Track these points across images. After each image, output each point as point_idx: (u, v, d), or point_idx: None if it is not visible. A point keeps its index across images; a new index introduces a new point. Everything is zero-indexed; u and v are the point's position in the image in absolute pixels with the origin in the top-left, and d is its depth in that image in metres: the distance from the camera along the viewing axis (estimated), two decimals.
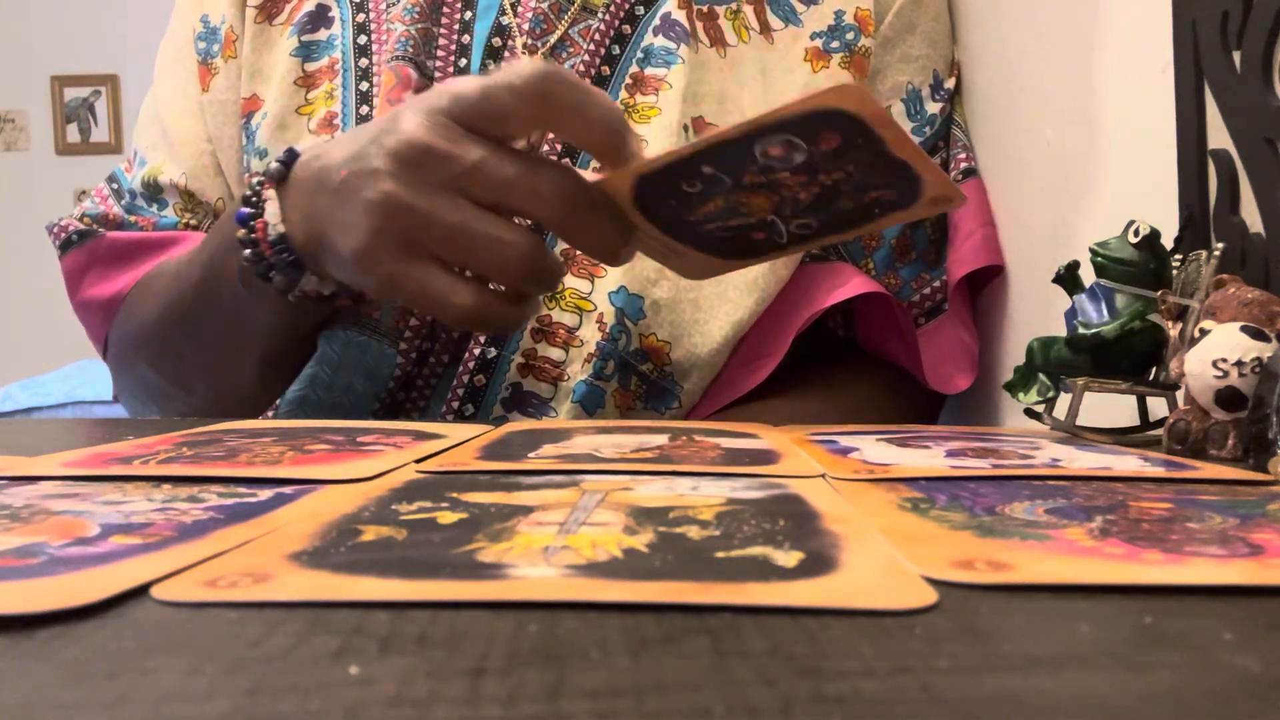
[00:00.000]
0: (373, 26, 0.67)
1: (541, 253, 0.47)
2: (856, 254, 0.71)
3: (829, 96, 0.39)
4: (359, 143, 0.49)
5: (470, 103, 0.45)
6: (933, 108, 0.72)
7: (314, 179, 0.51)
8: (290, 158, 0.53)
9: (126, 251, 0.70)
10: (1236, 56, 0.46)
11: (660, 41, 0.66)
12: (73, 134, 3.68)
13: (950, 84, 0.74)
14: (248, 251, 0.53)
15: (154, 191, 0.71)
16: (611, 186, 0.46)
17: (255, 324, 0.59)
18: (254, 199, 0.53)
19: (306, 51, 0.68)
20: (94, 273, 0.70)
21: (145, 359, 0.68)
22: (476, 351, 0.61)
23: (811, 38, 0.69)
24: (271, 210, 0.52)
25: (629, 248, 0.49)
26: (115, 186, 0.73)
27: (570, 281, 0.62)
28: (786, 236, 0.46)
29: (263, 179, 0.53)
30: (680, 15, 0.66)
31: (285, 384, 0.64)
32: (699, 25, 0.67)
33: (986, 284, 0.73)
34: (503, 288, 0.49)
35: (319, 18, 0.69)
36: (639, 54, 0.66)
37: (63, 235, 0.71)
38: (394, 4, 0.67)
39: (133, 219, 0.71)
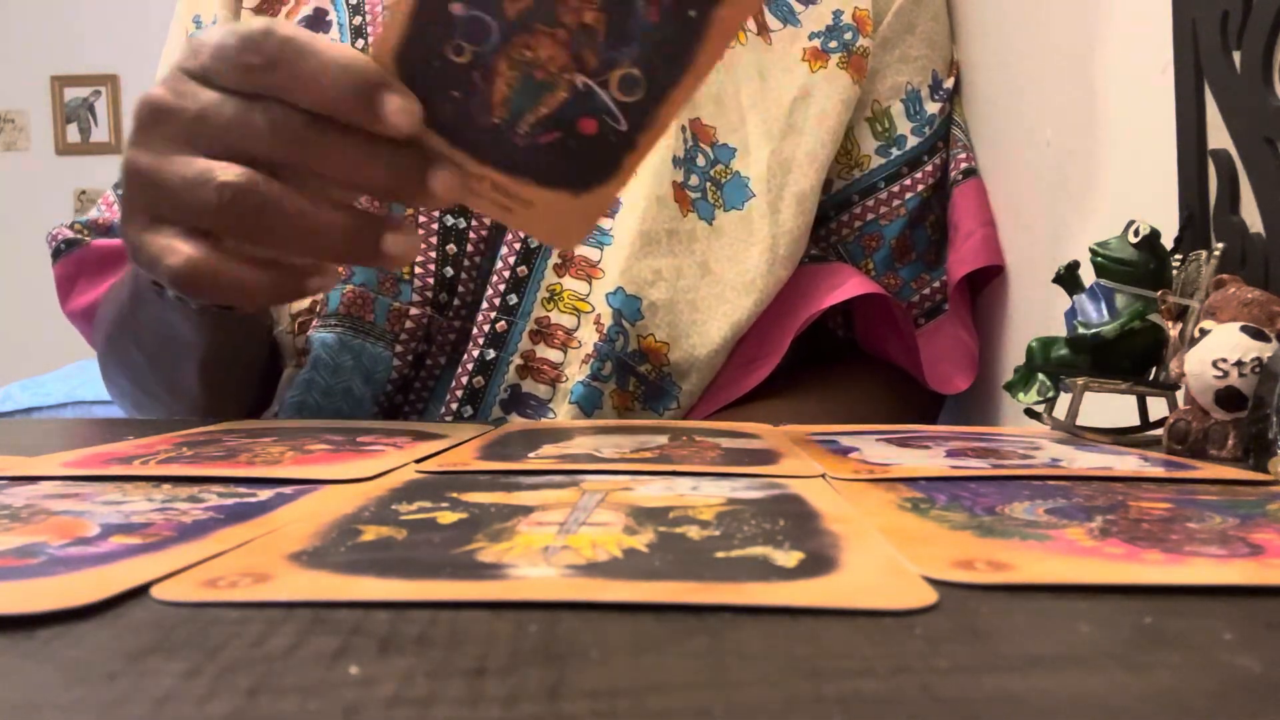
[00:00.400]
0: (369, 30, 0.67)
1: (248, 191, 0.39)
2: (856, 254, 0.71)
3: None
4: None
5: (201, 52, 0.40)
6: (932, 108, 0.72)
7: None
8: None
9: (110, 259, 0.69)
10: (1236, 56, 0.46)
11: None
12: (73, 134, 3.68)
13: (949, 84, 0.74)
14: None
15: None
16: None
17: (183, 334, 0.55)
18: None
19: None
20: (81, 281, 0.70)
21: (114, 366, 0.67)
22: (475, 353, 0.61)
23: (810, 38, 0.69)
24: None
25: (441, 185, 0.39)
26: (120, 192, 0.73)
27: (568, 283, 0.62)
28: (620, 114, 0.37)
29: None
30: None
31: (240, 395, 0.63)
32: None
33: (986, 284, 0.73)
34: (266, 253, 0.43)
35: (316, 22, 0.68)
36: None
37: (54, 244, 0.71)
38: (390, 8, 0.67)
39: None
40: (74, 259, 0.70)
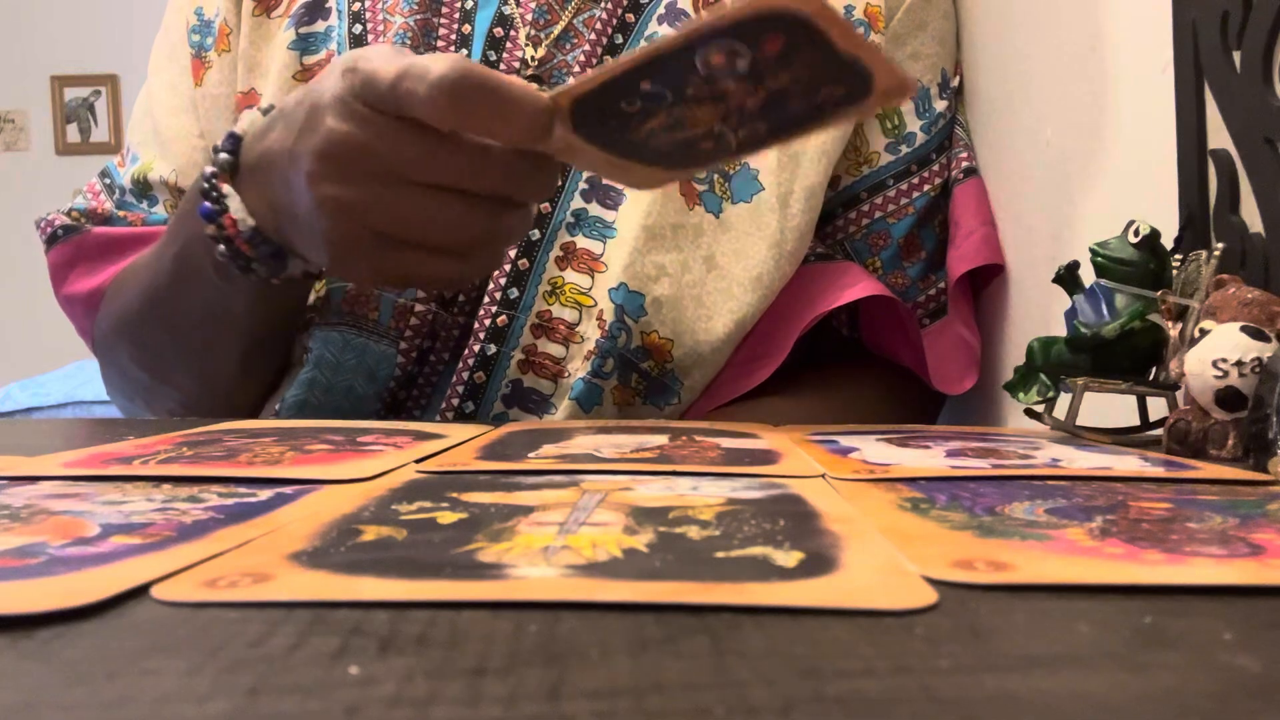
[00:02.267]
0: (368, 15, 0.67)
1: (495, 216, 0.47)
2: (863, 252, 0.71)
3: None
4: (289, 136, 0.48)
5: (380, 92, 0.44)
6: (939, 105, 0.72)
7: (262, 170, 0.50)
8: (235, 145, 0.52)
9: (112, 246, 0.69)
10: (1236, 56, 0.46)
11: (665, 30, 0.65)
12: (73, 134, 3.68)
13: (955, 81, 0.74)
14: (222, 248, 0.51)
15: (143, 189, 0.71)
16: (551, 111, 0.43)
17: (235, 312, 0.58)
18: (213, 193, 0.51)
19: (304, 44, 0.67)
20: (79, 267, 0.70)
21: (126, 353, 0.67)
22: (476, 349, 0.61)
23: None
24: (235, 205, 0.51)
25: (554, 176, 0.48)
26: (108, 181, 0.73)
27: (570, 276, 0.61)
28: (736, 144, 0.44)
29: (215, 171, 0.51)
30: (687, 4, 0.66)
31: (267, 371, 0.64)
32: (705, 14, 0.67)
33: (987, 284, 0.73)
34: None
35: (316, 9, 0.68)
36: (642, 43, 0.65)
37: (49, 230, 0.70)
38: None
39: (122, 214, 0.71)
40: (72, 245, 0.70)
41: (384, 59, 0.44)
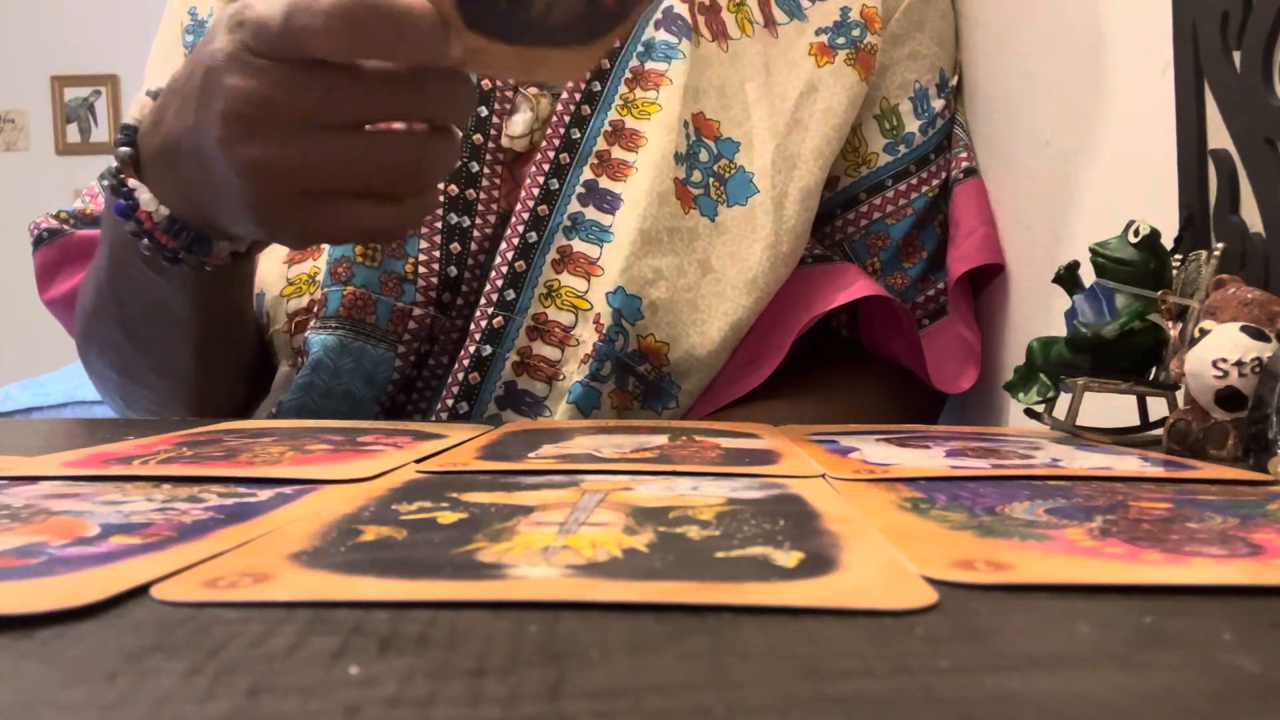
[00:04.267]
0: None
1: (420, 145, 0.45)
2: (862, 253, 0.71)
3: None
4: (188, 109, 0.45)
5: (272, 37, 0.42)
6: (937, 105, 0.72)
7: (165, 154, 0.48)
8: (131, 135, 0.50)
9: (92, 247, 0.69)
10: (1236, 56, 0.46)
11: (662, 35, 0.65)
12: (73, 134, 3.68)
13: (954, 81, 0.74)
14: (145, 242, 0.50)
15: None
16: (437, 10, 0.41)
17: (174, 306, 0.57)
18: (121, 189, 0.50)
19: None
20: (65, 270, 0.69)
21: (95, 353, 0.66)
22: (471, 350, 0.61)
23: (816, 33, 0.69)
24: (146, 198, 0.49)
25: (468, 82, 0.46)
26: (105, 183, 0.73)
27: (566, 280, 0.61)
28: None
29: (117, 167, 0.50)
30: (683, 9, 0.66)
31: (232, 373, 0.63)
32: (700, 19, 0.67)
33: (987, 284, 0.72)
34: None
35: None
36: (639, 47, 0.65)
37: (35, 233, 0.70)
38: None
39: None
40: (56, 247, 0.69)
41: (267, 3, 0.42)
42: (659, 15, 0.66)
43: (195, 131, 0.45)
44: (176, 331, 0.58)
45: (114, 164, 0.50)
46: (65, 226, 0.70)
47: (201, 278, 0.53)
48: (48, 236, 0.70)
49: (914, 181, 0.71)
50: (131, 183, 0.49)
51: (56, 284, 0.70)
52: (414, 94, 0.44)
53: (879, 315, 0.70)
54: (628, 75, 0.65)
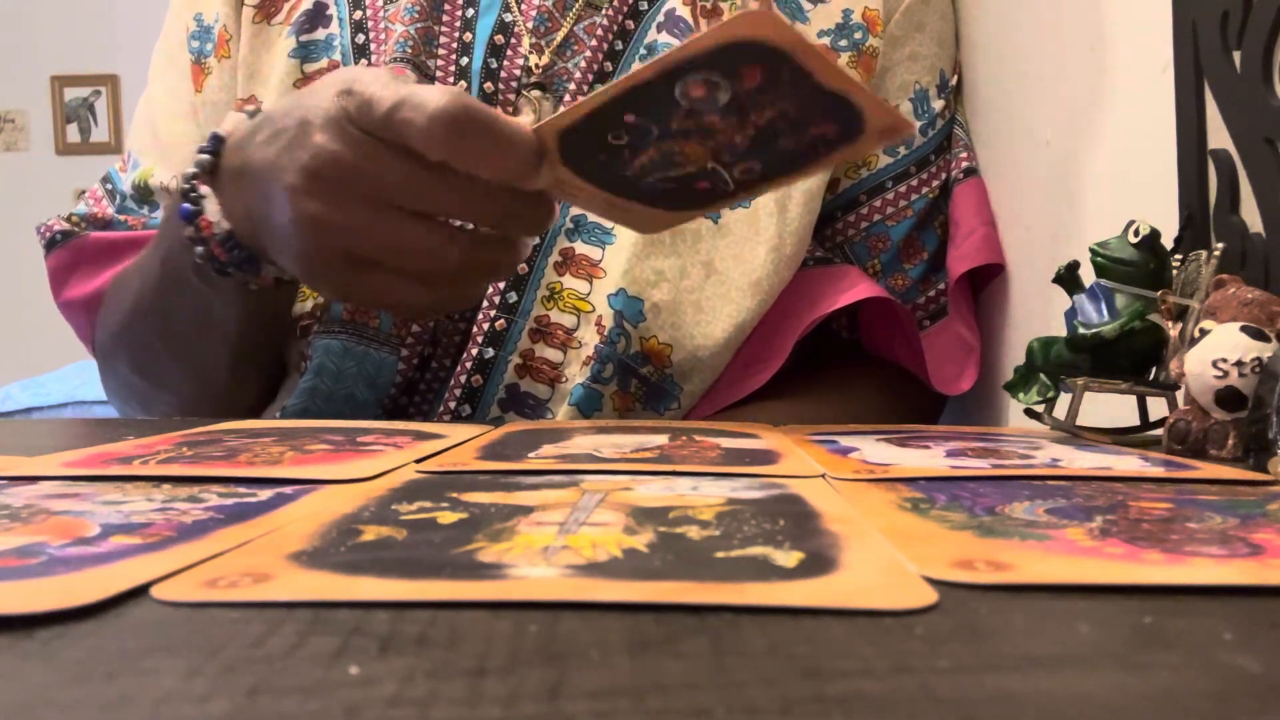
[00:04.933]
0: (370, 24, 0.67)
1: (479, 249, 0.47)
2: (862, 255, 0.71)
3: (739, 25, 0.36)
4: (274, 146, 0.48)
5: (376, 118, 0.44)
6: (937, 106, 0.72)
7: (240, 176, 0.50)
8: (218, 145, 0.52)
9: (109, 250, 0.69)
10: (1236, 56, 0.46)
11: (664, 39, 0.65)
12: (73, 134, 3.68)
13: (953, 82, 0.74)
14: (199, 249, 0.51)
15: (144, 194, 0.71)
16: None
17: (220, 316, 0.58)
18: (191, 194, 0.51)
19: (305, 52, 0.67)
20: (79, 272, 0.70)
21: (123, 359, 0.67)
22: (474, 352, 0.61)
23: (819, 36, 0.69)
24: (211, 208, 0.51)
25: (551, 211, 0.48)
26: (109, 187, 0.73)
27: (568, 282, 0.61)
28: (733, 184, 0.44)
29: (195, 172, 0.51)
30: (685, 11, 0.66)
31: (259, 376, 0.64)
32: (703, 23, 0.67)
33: (987, 284, 0.72)
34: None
35: (317, 16, 0.68)
36: (642, 50, 0.65)
37: (48, 235, 0.70)
38: (392, 1, 0.67)
39: (123, 219, 0.71)
40: (70, 249, 0.70)
41: (381, 84, 0.44)
42: (661, 18, 0.66)
43: (272, 170, 0.47)
44: (219, 340, 0.60)
45: (191, 168, 0.51)
46: (77, 229, 0.70)
47: (247, 293, 0.55)
48: (61, 239, 0.70)
49: (914, 183, 0.71)
50: (202, 189, 0.51)
51: (70, 286, 0.70)
52: (490, 204, 0.46)
53: (879, 317, 0.70)
54: None
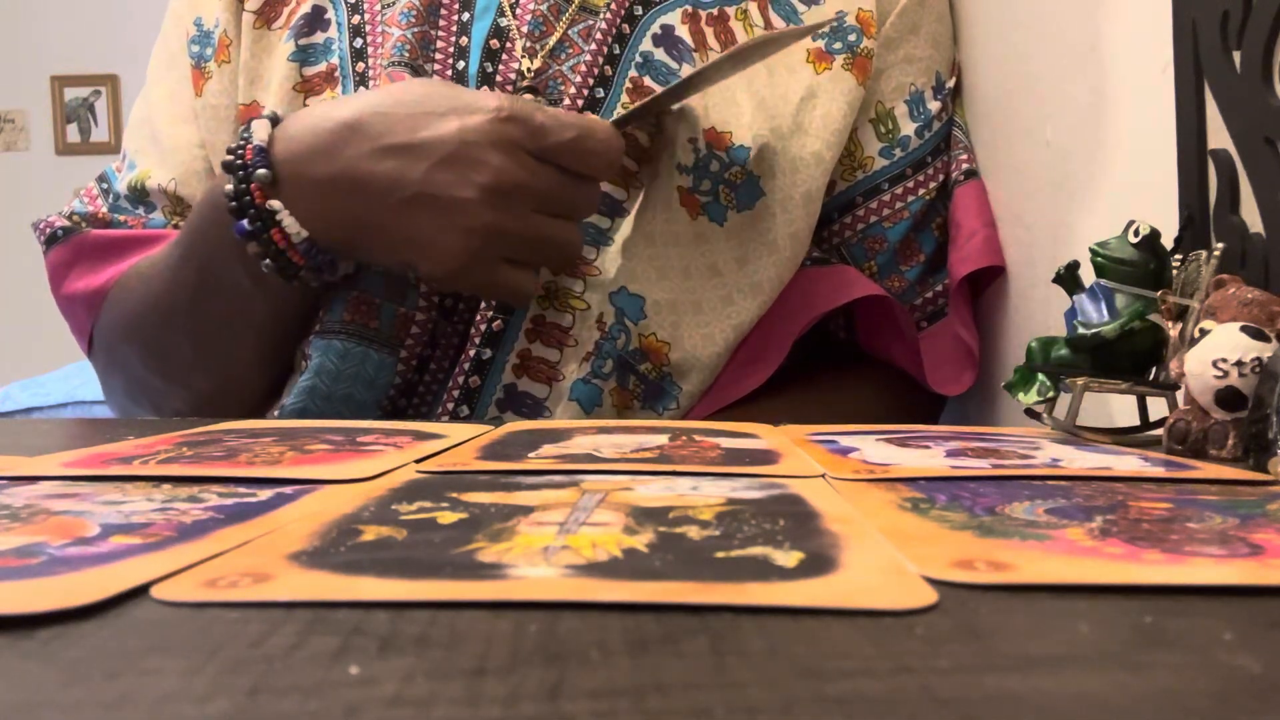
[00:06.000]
0: (368, 29, 0.67)
1: (580, 242, 0.58)
2: (859, 256, 0.71)
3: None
4: (412, 160, 0.53)
5: (551, 145, 0.54)
6: (933, 107, 0.72)
7: (348, 187, 0.54)
8: (268, 160, 0.55)
9: (113, 246, 0.70)
10: (1236, 56, 0.46)
11: (661, 56, 0.66)
12: (73, 134, 3.68)
13: (951, 84, 0.74)
14: (268, 261, 0.55)
15: (140, 196, 0.71)
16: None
17: (262, 313, 0.61)
18: (250, 210, 0.55)
19: (304, 56, 0.67)
20: (79, 268, 0.70)
21: (135, 354, 0.67)
22: (471, 353, 0.61)
23: (813, 39, 0.69)
24: (289, 221, 0.55)
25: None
26: (104, 187, 0.73)
27: (564, 281, 0.62)
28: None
29: (245, 186, 0.55)
30: (684, 30, 0.66)
31: (276, 371, 0.65)
32: (709, 31, 0.67)
33: (987, 285, 0.72)
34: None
35: (315, 20, 0.68)
36: (637, 58, 0.66)
37: (48, 231, 0.71)
38: (389, 5, 0.67)
39: (121, 218, 0.71)
40: (70, 246, 0.70)
41: (546, 114, 0.55)
42: (657, 29, 0.66)
43: (422, 183, 0.53)
44: (252, 337, 0.63)
45: (232, 184, 0.55)
46: (78, 225, 0.70)
47: (300, 292, 0.59)
48: (62, 235, 0.70)
49: (910, 184, 0.71)
50: (273, 204, 0.55)
51: (70, 281, 0.70)
52: (584, 196, 0.57)
53: (877, 317, 0.70)
54: (628, 84, 0.65)
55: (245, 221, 0.55)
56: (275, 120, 0.57)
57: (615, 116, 0.56)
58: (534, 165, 0.54)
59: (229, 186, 0.55)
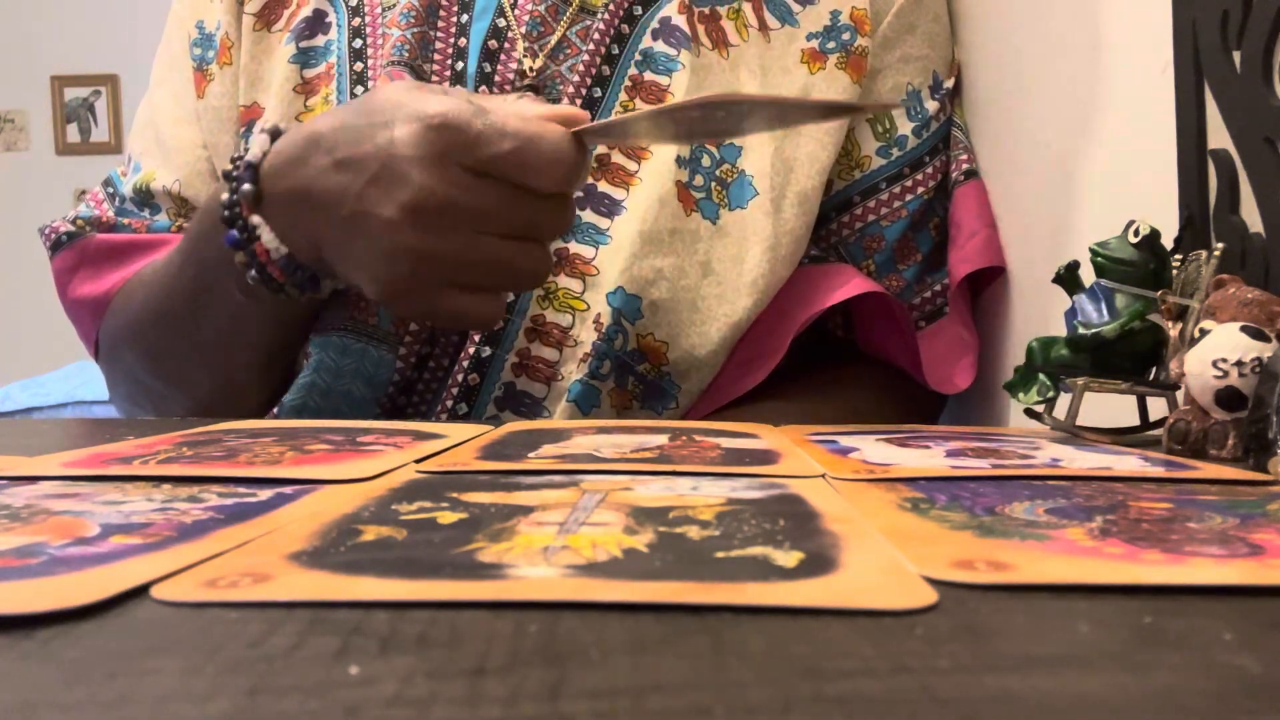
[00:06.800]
0: (368, 30, 0.67)
1: (549, 264, 0.53)
2: (857, 255, 0.71)
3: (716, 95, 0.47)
4: (350, 176, 0.50)
5: (486, 158, 0.48)
6: (931, 107, 0.72)
7: (297, 201, 0.52)
8: (255, 175, 0.54)
9: (117, 251, 0.70)
10: (1236, 56, 0.46)
11: (660, 47, 0.66)
12: (73, 134, 3.68)
13: (949, 84, 0.73)
14: (254, 273, 0.54)
15: (145, 198, 0.71)
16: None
17: (256, 327, 0.61)
18: (238, 222, 0.54)
19: (304, 58, 0.67)
20: (84, 272, 0.70)
21: (138, 360, 0.68)
22: (471, 351, 0.61)
23: (807, 39, 0.69)
24: (267, 236, 0.53)
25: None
26: (110, 190, 0.74)
27: (562, 281, 0.62)
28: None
29: (235, 200, 0.54)
30: (681, 20, 0.66)
31: (284, 370, 0.65)
32: (701, 28, 0.67)
33: (987, 286, 0.72)
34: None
35: (316, 23, 0.68)
36: (637, 55, 0.66)
37: (53, 236, 0.71)
38: (390, 7, 0.67)
39: (125, 222, 0.71)
40: (75, 250, 0.71)
41: (481, 120, 0.48)
42: (656, 24, 0.66)
43: (355, 199, 0.50)
44: (249, 346, 0.63)
45: (226, 194, 0.54)
46: (83, 230, 0.71)
47: (292, 306, 0.58)
48: (67, 240, 0.70)
49: (908, 184, 0.71)
50: (254, 220, 0.53)
51: (77, 286, 0.71)
52: (551, 216, 0.51)
53: (875, 316, 0.70)
54: (627, 83, 0.65)
55: (235, 232, 0.54)
56: (275, 134, 0.56)
57: (584, 126, 0.49)
58: (467, 181, 0.48)
59: (224, 196, 0.55)
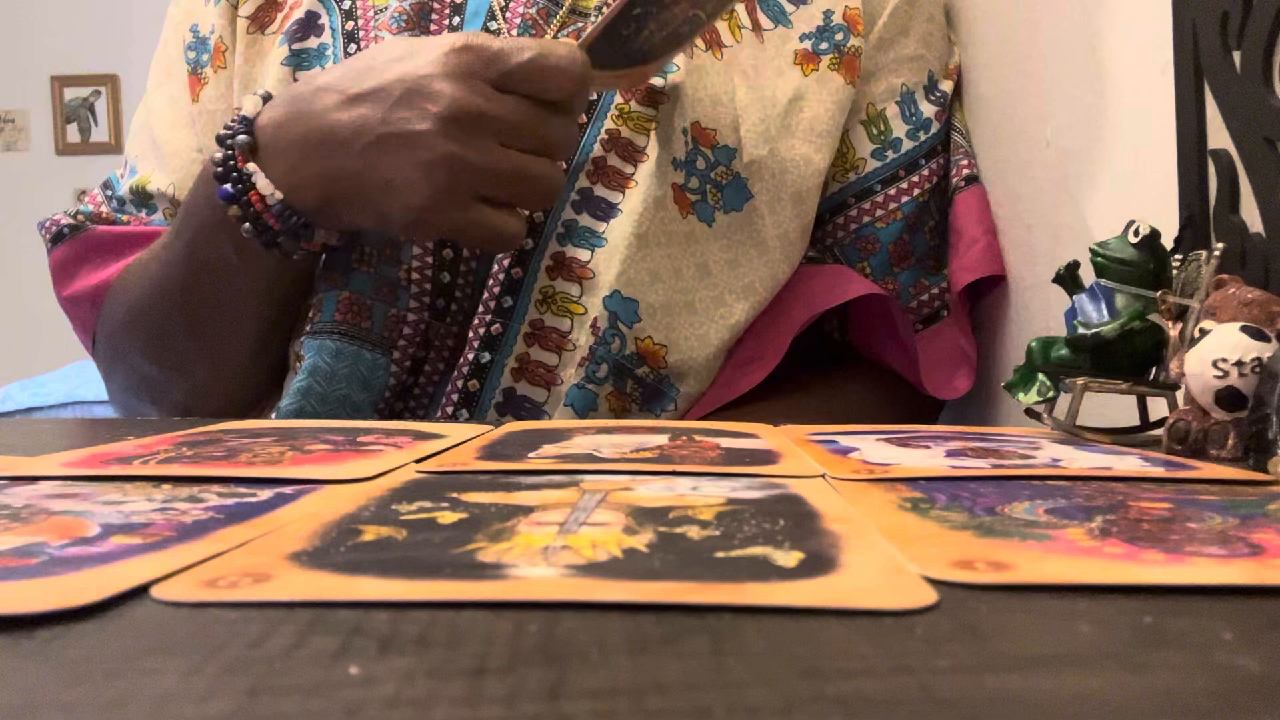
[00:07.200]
0: (361, 34, 0.67)
1: (563, 180, 0.56)
2: (852, 257, 0.71)
3: None
4: (370, 105, 0.53)
5: (508, 69, 0.52)
6: (927, 110, 0.72)
7: (316, 142, 0.54)
8: (249, 125, 0.56)
9: (116, 243, 0.70)
10: (1236, 56, 0.46)
11: None
12: (73, 134, 3.68)
13: (946, 86, 0.73)
14: (248, 226, 0.55)
15: (142, 199, 0.71)
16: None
17: (251, 297, 0.62)
18: (232, 175, 0.55)
19: (297, 60, 0.67)
20: (85, 265, 0.70)
21: (137, 348, 0.68)
22: (470, 356, 0.61)
23: (800, 39, 0.69)
24: (262, 183, 0.54)
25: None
26: (109, 192, 0.74)
27: (560, 285, 0.62)
28: (707, 16, 0.57)
29: (230, 153, 0.55)
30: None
31: (270, 362, 0.65)
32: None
33: (988, 292, 0.72)
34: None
35: (309, 25, 0.68)
36: None
37: (54, 229, 0.71)
38: (382, 11, 0.67)
39: (124, 219, 0.71)
40: (78, 242, 0.70)
41: (501, 41, 0.53)
42: None
43: (381, 124, 0.52)
44: (242, 320, 0.63)
45: (220, 152, 0.56)
46: (84, 224, 0.71)
47: (281, 269, 0.59)
48: (68, 232, 0.70)
49: (903, 185, 0.71)
50: (250, 167, 0.55)
51: (76, 280, 0.71)
52: (560, 130, 0.54)
53: (872, 318, 0.70)
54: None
55: (228, 185, 0.55)
56: (267, 98, 0.58)
57: (586, 36, 0.54)
58: (492, 94, 0.52)
59: (217, 155, 0.56)
